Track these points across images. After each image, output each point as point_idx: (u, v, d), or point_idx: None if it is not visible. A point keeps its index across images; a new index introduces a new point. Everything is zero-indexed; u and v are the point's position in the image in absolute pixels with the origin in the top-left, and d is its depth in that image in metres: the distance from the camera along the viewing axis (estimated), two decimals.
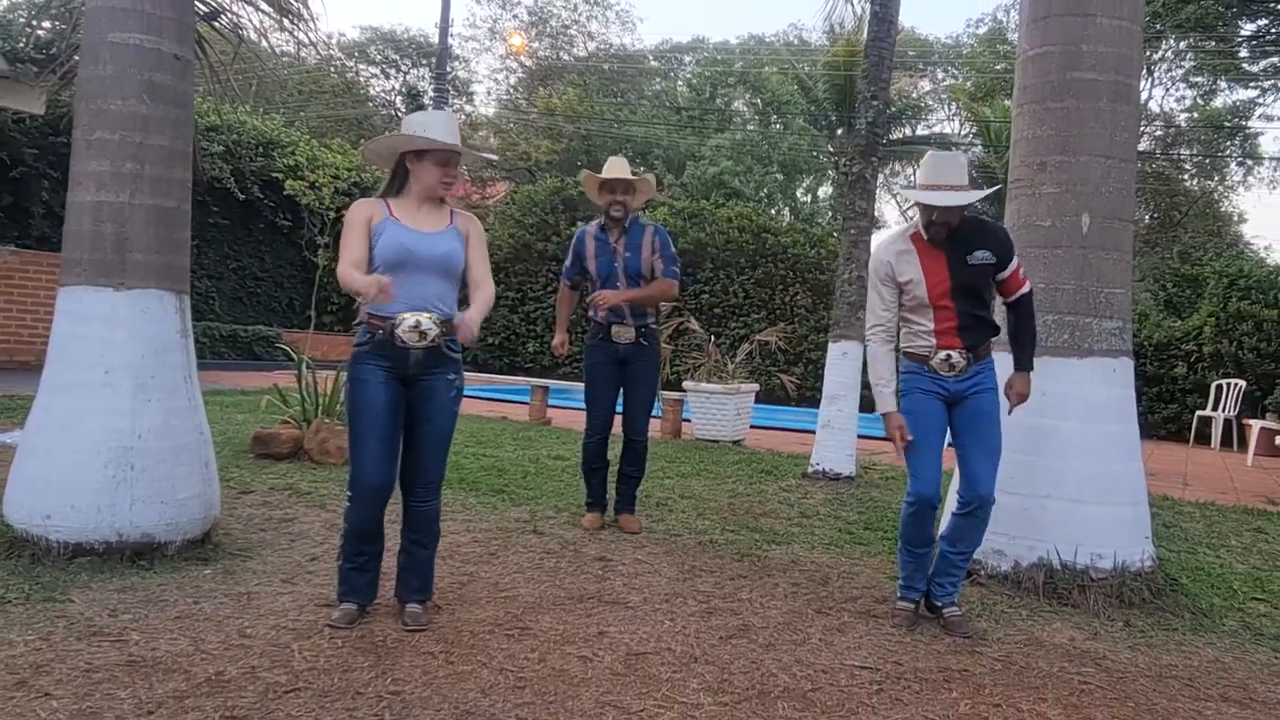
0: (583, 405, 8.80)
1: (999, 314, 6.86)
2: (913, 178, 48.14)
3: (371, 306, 5.65)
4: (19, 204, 19.59)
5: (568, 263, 8.79)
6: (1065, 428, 7.37)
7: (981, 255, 6.36)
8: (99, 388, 6.69)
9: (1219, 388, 20.19)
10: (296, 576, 6.61)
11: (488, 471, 10.95)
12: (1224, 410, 19.88)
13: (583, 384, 8.70)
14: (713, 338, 17.88)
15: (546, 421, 16.64)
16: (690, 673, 5.33)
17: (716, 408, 15.61)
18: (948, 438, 6.51)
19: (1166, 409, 21.67)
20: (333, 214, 22.16)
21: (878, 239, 6.73)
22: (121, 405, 6.70)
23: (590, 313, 8.55)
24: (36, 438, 6.83)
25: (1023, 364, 6.67)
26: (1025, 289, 6.58)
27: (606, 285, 8.44)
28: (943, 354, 6.39)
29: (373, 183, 27.43)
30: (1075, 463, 7.33)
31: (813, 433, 12.71)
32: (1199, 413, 20.49)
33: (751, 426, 16.60)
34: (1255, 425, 18.47)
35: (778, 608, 6.66)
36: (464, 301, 5.97)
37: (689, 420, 16.21)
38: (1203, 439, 20.39)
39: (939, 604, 6.54)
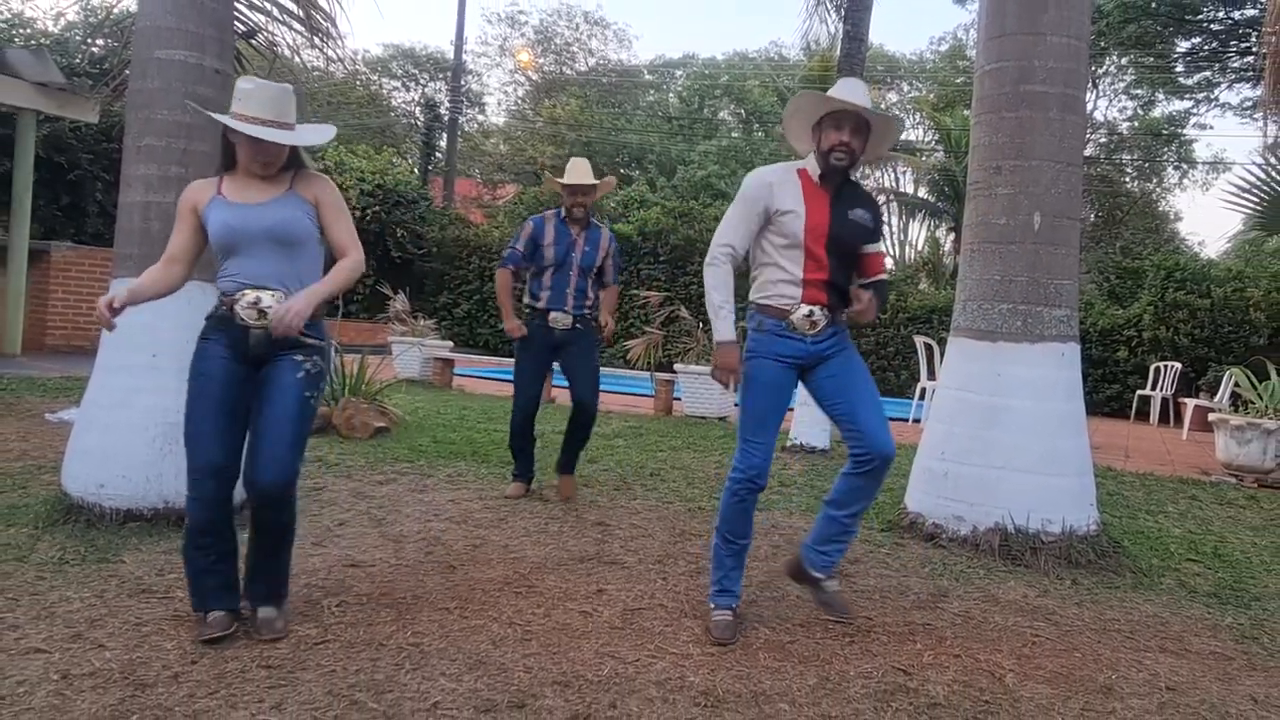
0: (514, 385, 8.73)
1: None
2: (883, 178, 48.10)
3: (218, 284, 4.84)
4: (75, 204, 19.54)
5: (518, 247, 8.34)
6: (1019, 406, 7.37)
7: (861, 214, 5.44)
8: (147, 370, 6.68)
9: (1157, 370, 20.21)
10: (326, 539, 6.60)
11: (498, 445, 10.92)
12: (1161, 390, 19.89)
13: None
14: (700, 324, 17.83)
15: (551, 400, 16.60)
16: (680, 626, 5.34)
17: (704, 388, 15.59)
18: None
19: (1110, 389, 21.70)
20: (358, 213, 22.18)
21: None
22: (167, 385, 6.68)
23: (528, 300, 8.42)
24: (91, 415, 6.85)
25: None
26: (884, 275, 5.67)
27: (559, 272, 8.24)
28: (806, 309, 5.34)
29: (394, 185, 27.41)
30: (1028, 438, 7.34)
31: (791, 410, 12.70)
32: (1139, 392, 20.50)
33: (736, 405, 16.56)
34: (1190, 403, 18.49)
35: (758, 568, 6.65)
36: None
37: (679, 399, 16.20)
38: (1142, 416, 20.41)
39: (819, 575, 5.73)
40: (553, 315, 8.24)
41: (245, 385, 4.81)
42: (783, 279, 5.43)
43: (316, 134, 5.04)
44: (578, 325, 8.30)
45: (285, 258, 4.82)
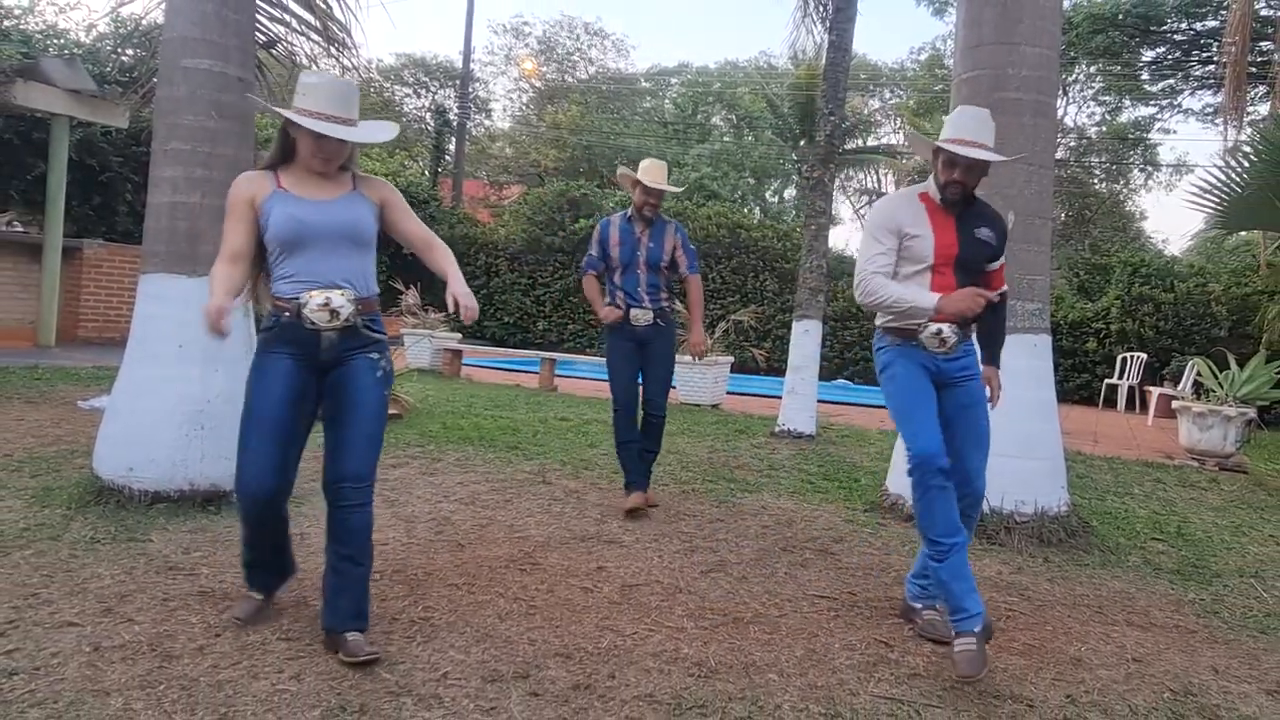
0: (583, 375, 8.73)
1: None
2: (866, 180, 48.11)
3: (274, 289, 4.35)
4: (106, 204, 19.50)
5: (593, 253, 7.88)
6: None
7: (986, 234, 5.11)
8: (174, 360, 6.69)
9: (1124, 360, 20.20)
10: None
11: (504, 430, 10.92)
12: (1128, 379, 19.89)
13: (581, 356, 8.58)
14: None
15: (554, 388, 16.60)
16: (675, 601, 5.34)
17: (698, 377, 15.59)
18: None
19: (1079, 378, 21.66)
20: None
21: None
22: (193, 374, 6.71)
23: (607, 302, 7.85)
24: (121, 402, 6.85)
25: (994, 360, 5.50)
26: (1004, 288, 5.39)
27: (627, 272, 7.80)
28: (934, 327, 4.94)
29: (407, 186, 27.39)
30: (1002, 423, 7.27)
31: (779, 398, 12.71)
32: (1107, 381, 20.50)
33: (727, 393, 16.58)
34: (1155, 392, 18.50)
35: (749, 546, 6.66)
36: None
37: (674, 387, 16.17)
38: (1110, 403, 20.40)
39: (918, 605, 5.31)
40: (633, 313, 7.71)
41: (308, 396, 4.38)
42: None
43: (381, 130, 4.69)
44: (658, 321, 7.77)
45: (355, 256, 4.41)
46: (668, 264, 7.85)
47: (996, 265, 5.27)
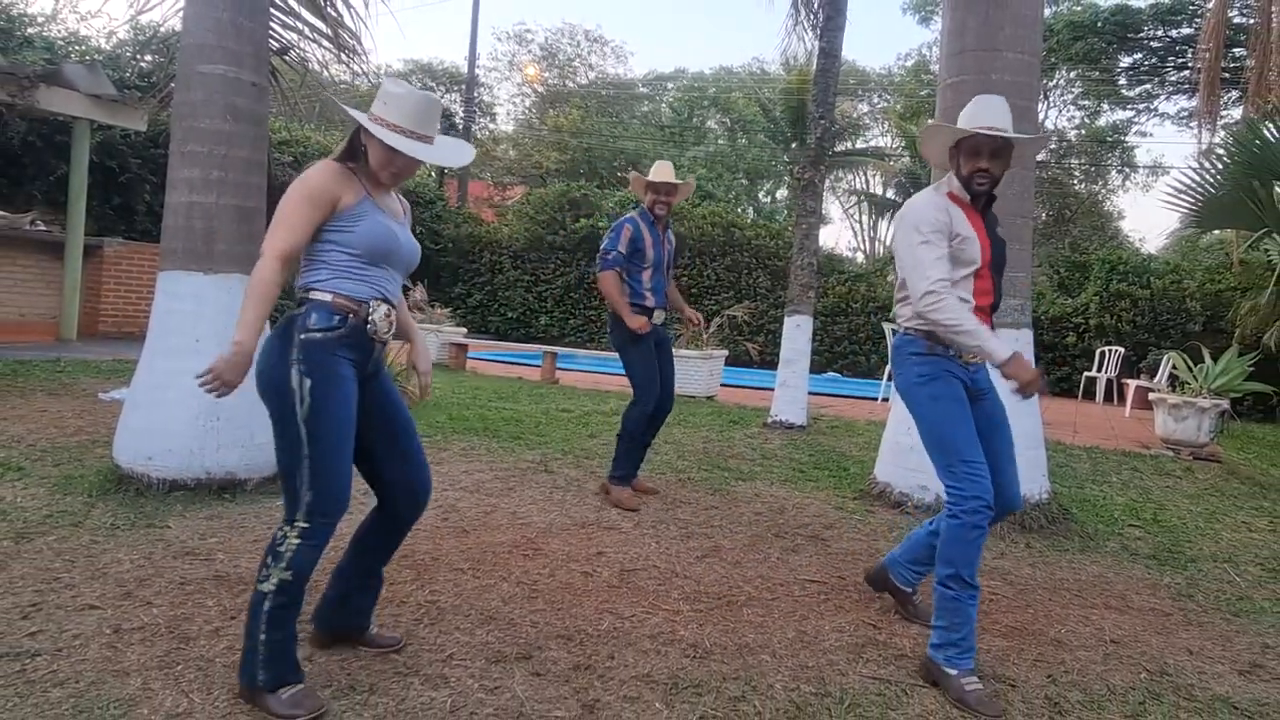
0: (584, 368, 8.74)
1: None
2: (855, 181, 48.16)
3: (339, 286, 3.79)
4: (126, 204, 19.47)
5: (622, 250, 7.56)
6: None
7: (1001, 231, 4.92)
8: (191, 353, 6.67)
9: (1102, 353, 20.18)
10: (353, 507, 6.58)
11: (507, 421, 10.92)
12: (1106, 372, 19.87)
13: (582, 350, 8.58)
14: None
15: (555, 381, 16.58)
16: (672, 585, 5.35)
17: (693, 369, 15.58)
18: None
19: (1059, 371, 21.65)
20: None
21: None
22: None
23: (632, 299, 7.58)
24: (140, 394, 6.85)
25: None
26: None
27: (656, 272, 7.71)
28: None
29: (414, 187, 27.35)
30: None
31: (772, 390, 12.70)
32: (1086, 374, 20.45)
33: (722, 385, 16.56)
34: (1132, 384, 18.51)
35: (743, 532, 6.67)
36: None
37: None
38: (1089, 396, 20.38)
39: (906, 590, 5.18)
40: (656, 313, 7.67)
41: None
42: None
43: (459, 153, 4.30)
44: (665, 321, 7.86)
45: (400, 281, 4.07)
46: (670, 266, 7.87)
47: None
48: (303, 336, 3.75)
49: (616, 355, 7.67)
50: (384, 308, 3.89)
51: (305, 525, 3.68)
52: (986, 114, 4.73)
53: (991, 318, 4.75)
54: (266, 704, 3.56)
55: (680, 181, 7.82)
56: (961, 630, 4.26)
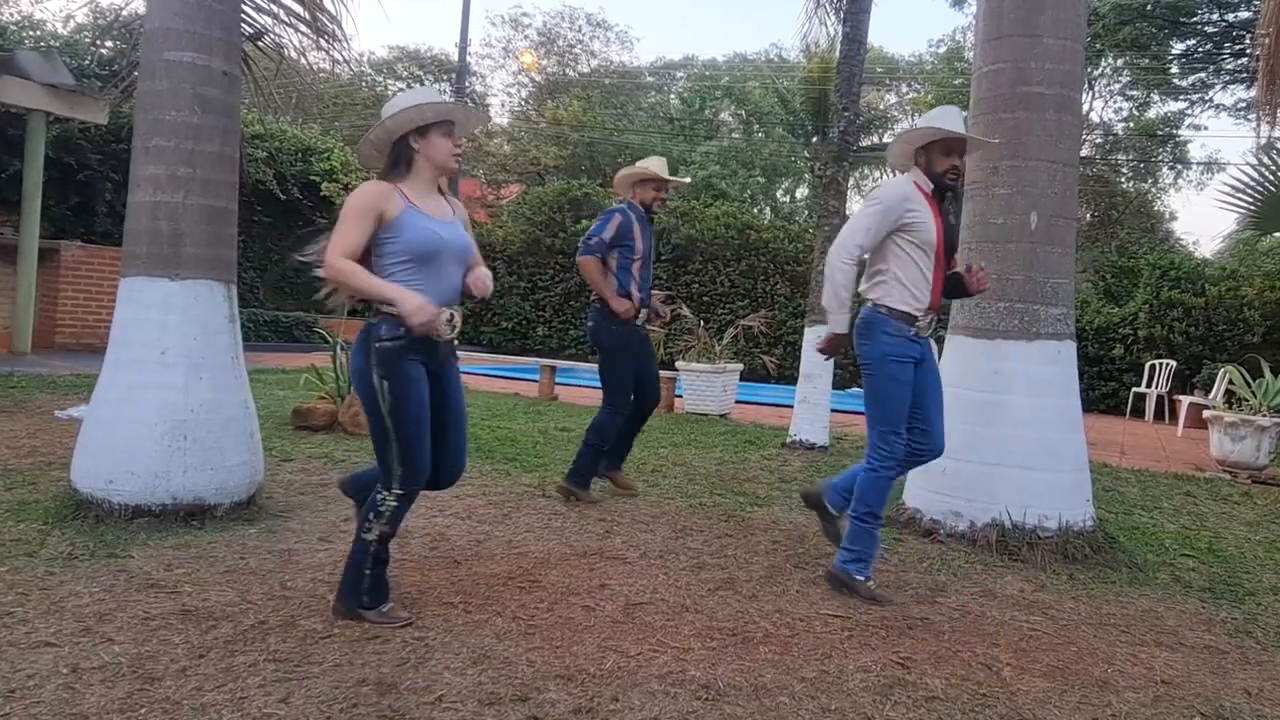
0: (585, 383, 8.81)
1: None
2: (882, 178, 48.13)
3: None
4: (85, 203, 19.57)
5: (607, 237, 8.03)
6: (1015, 402, 7.38)
7: (953, 219, 6.25)
8: (156, 367, 6.70)
9: (1152, 367, 20.20)
10: (332, 535, 6.61)
11: (501, 442, 10.93)
12: (1156, 387, 19.88)
13: (583, 363, 8.68)
14: (702, 322, 17.85)
15: (554, 397, 16.61)
16: (682, 620, 5.34)
17: (705, 385, 15.61)
18: None
19: (1106, 386, 21.67)
20: None
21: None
22: (176, 382, 6.72)
23: (619, 291, 8.10)
24: (101, 411, 6.86)
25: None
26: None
27: (645, 264, 8.22)
28: (929, 317, 6.04)
29: None
30: (1024, 433, 7.34)
31: (791, 407, 12.72)
32: (1134, 389, 20.48)
33: (736, 402, 16.59)
34: (1184, 401, 18.53)
35: (760, 563, 6.66)
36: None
37: (681, 396, 16.20)
38: (1137, 413, 20.39)
39: (834, 512, 6.55)
40: (643, 310, 8.20)
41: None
42: (917, 281, 5.98)
43: (480, 114, 5.50)
44: (647, 316, 8.34)
45: (461, 273, 5.13)
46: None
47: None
48: (377, 345, 4.85)
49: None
50: (446, 312, 4.92)
51: (400, 492, 4.92)
52: (949, 120, 6.03)
53: (939, 298, 6.11)
54: (367, 619, 4.95)
55: (682, 179, 8.46)
56: (869, 551, 6.07)
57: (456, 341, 5.22)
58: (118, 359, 6.91)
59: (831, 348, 6.11)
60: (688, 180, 8.25)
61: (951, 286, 6.32)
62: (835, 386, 13.00)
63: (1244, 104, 34.84)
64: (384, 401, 4.82)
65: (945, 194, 6.11)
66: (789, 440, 12.29)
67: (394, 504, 4.92)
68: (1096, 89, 40.89)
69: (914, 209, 5.92)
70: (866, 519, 6.03)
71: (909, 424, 6.07)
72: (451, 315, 4.98)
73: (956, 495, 7.46)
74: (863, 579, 5.99)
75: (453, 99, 5.04)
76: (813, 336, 12.57)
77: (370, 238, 4.86)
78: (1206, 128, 64.50)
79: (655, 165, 8.22)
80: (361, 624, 4.91)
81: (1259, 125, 21.27)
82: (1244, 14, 30.83)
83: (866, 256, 6.08)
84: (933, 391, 6.17)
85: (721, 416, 15.58)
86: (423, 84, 49.39)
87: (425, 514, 7.35)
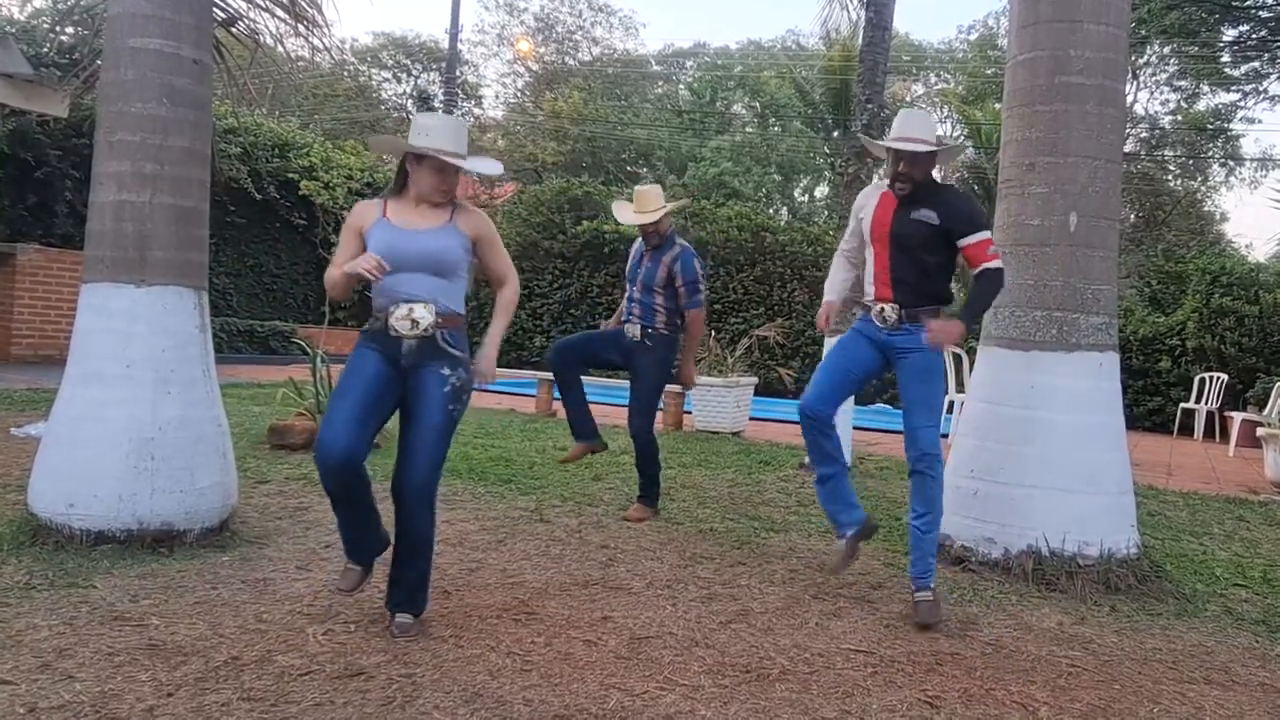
0: (587, 398, 8.90)
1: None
2: None
3: (374, 300, 5.55)
4: (43, 203, 19.60)
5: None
6: (1053, 419, 7.37)
7: (924, 213, 6.46)
8: (120, 381, 6.70)
9: (1202, 381, 20.20)
10: (311, 563, 6.61)
11: (495, 462, 10.94)
12: (1206, 403, 19.88)
13: (587, 379, 8.89)
14: (713, 332, 17.86)
15: (552, 414, 16.61)
16: (691, 656, 5.34)
17: (716, 400, 15.61)
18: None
19: (1151, 401, 21.68)
20: (346, 213, 22.21)
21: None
22: (142, 397, 6.71)
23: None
24: (60, 429, 6.85)
25: (961, 316, 6.56)
26: (992, 264, 6.46)
27: (630, 287, 9.03)
28: (879, 305, 6.61)
29: (385, 183, 27.49)
30: (1063, 453, 7.33)
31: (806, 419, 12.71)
32: (1182, 405, 20.49)
33: (750, 418, 16.58)
34: (1237, 417, 18.48)
35: (776, 593, 6.67)
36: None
37: (689, 412, 16.19)
38: (1186, 431, 20.40)
39: (912, 587, 6.45)
40: (626, 326, 8.94)
41: (392, 386, 5.52)
42: (866, 276, 6.81)
43: (488, 165, 6.27)
44: (645, 340, 8.84)
45: (440, 281, 5.56)
46: (664, 287, 8.86)
47: (969, 241, 6.47)
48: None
49: (627, 383, 8.59)
50: (404, 308, 5.44)
51: (316, 461, 5.34)
52: (908, 127, 6.54)
53: (896, 290, 6.57)
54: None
55: (658, 212, 9.03)
56: (827, 507, 6.87)
57: (452, 348, 5.61)
58: (79, 372, 6.88)
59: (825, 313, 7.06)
60: (651, 218, 8.76)
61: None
62: (858, 402, 12.98)
63: None
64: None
65: (918, 193, 6.55)
66: (807, 460, 12.24)
67: (319, 474, 5.38)
68: (1141, 79, 40.98)
69: (864, 208, 6.81)
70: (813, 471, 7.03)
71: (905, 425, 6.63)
72: (410, 310, 5.45)
73: (989, 520, 7.46)
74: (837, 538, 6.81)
75: (451, 135, 5.30)
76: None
77: (359, 249, 5.55)
78: (1261, 121, 64.48)
79: (637, 200, 9.11)
80: (344, 659, 4.88)
81: None
82: None
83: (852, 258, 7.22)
84: (907, 386, 6.61)
85: (734, 434, 15.58)
86: (413, 75, 49.55)
87: None
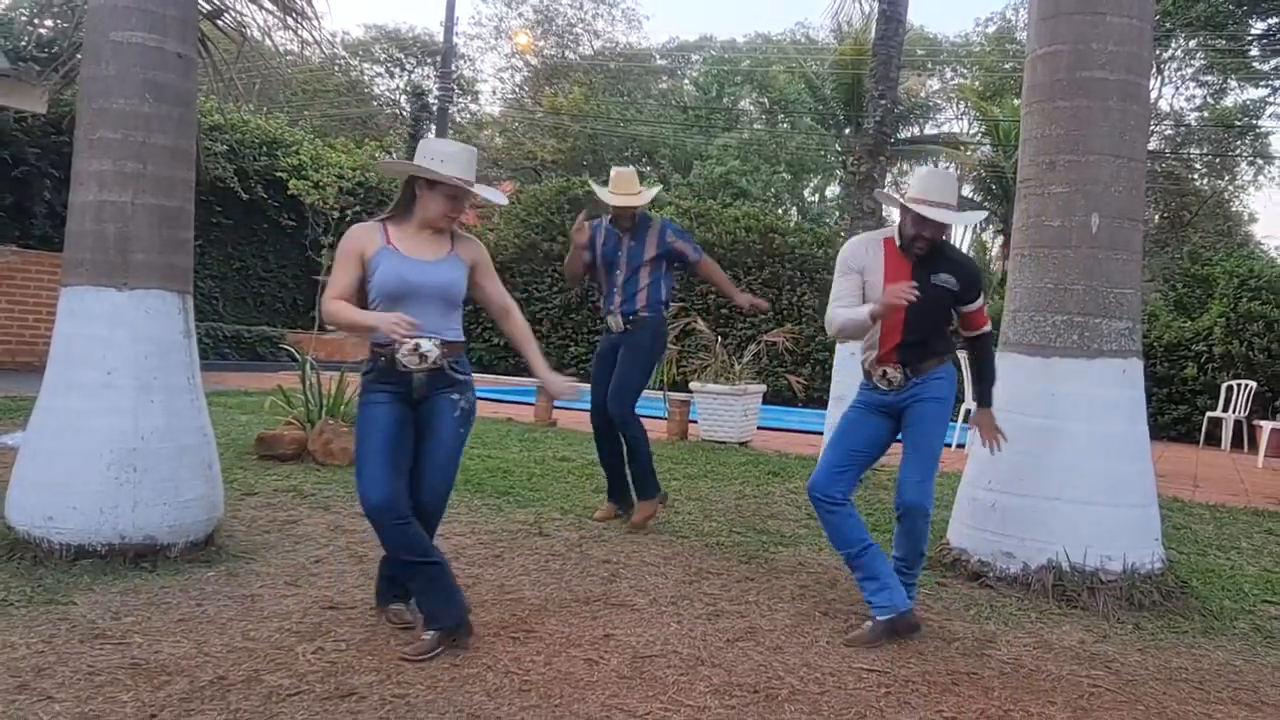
0: (587, 407, 8.96)
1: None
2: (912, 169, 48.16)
3: (374, 336, 5.58)
4: (21, 204, 19.62)
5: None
6: (1074, 428, 7.37)
7: (945, 278, 6.38)
8: (101, 389, 6.69)
9: (1229, 389, 20.17)
10: (300, 579, 6.61)
11: (493, 473, 10.94)
12: (1234, 411, 19.86)
13: (586, 384, 8.88)
14: (719, 338, 17.83)
15: (552, 422, 16.61)
16: (697, 675, 5.34)
17: (723, 409, 15.60)
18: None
19: (1176, 410, 21.65)
20: (336, 214, 22.16)
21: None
22: (124, 406, 6.71)
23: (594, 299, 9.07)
24: (38, 439, 6.85)
25: (985, 400, 6.78)
26: (986, 328, 6.68)
27: (610, 271, 9.03)
28: (880, 369, 6.49)
29: (377, 183, 27.49)
30: (1084, 464, 7.32)
31: (820, 434, 12.75)
32: (1209, 414, 20.46)
33: (759, 428, 16.60)
34: (1266, 426, 18.45)
35: (785, 610, 6.67)
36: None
37: (695, 421, 16.19)
38: (1213, 440, 20.38)
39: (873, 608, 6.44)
40: (608, 319, 9.05)
41: (407, 421, 5.64)
42: (867, 344, 6.61)
43: (496, 195, 6.77)
44: (628, 326, 8.95)
45: (445, 312, 5.72)
46: (649, 263, 9.02)
47: (972, 307, 6.55)
48: (361, 377, 5.74)
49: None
50: (410, 343, 5.46)
51: (362, 511, 5.52)
52: (931, 188, 6.30)
53: (903, 354, 6.43)
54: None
55: (638, 197, 9.17)
56: (870, 580, 6.33)
57: (459, 374, 5.80)
58: (58, 380, 6.89)
59: (886, 298, 6.17)
60: (637, 203, 8.89)
61: (973, 378, 6.94)
62: None
63: None
64: (356, 428, 5.69)
65: (926, 249, 6.38)
66: None
67: (372, 525, 5.53)
68: (1166, 74, 40.99)
69: (867, 267, 6.52)
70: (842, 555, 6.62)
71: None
72: (417, 345, 5.50)
73: (1008, 534, 7.45)
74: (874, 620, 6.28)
75: (466, 164, 5.48)
76: (845, 355, 12.57)
77: (360, 276, 5.63)
78: None
79: (612, 181, 9.21)
80: (334, 679, 4.90)
81: None
82: None
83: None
84: (910, 433, 6.50)
85: (741, 444, 15.57)
86: (406, 69, 49.63)
87: None
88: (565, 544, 8.09)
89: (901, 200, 6.38)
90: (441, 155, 5.65)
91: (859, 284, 6.52)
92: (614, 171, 9.20)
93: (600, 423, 9.06)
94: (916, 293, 5.96)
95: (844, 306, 6.50)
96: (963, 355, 6.91)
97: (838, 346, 12.78)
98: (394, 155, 44.91)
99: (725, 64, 54.73)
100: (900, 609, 6.19)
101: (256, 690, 4.74)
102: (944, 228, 6.34)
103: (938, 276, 6.34)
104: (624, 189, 8.99)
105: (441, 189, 5.62)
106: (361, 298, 5.66)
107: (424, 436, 5.69)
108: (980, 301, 6.57)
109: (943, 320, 6.55)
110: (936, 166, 7.39)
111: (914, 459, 6.40)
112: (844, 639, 6.05)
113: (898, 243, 6.45)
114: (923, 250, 6.31)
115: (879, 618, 6.16)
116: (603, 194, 9.16)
